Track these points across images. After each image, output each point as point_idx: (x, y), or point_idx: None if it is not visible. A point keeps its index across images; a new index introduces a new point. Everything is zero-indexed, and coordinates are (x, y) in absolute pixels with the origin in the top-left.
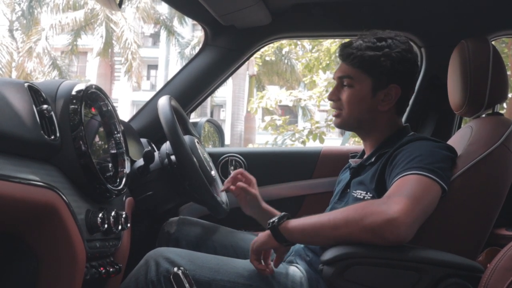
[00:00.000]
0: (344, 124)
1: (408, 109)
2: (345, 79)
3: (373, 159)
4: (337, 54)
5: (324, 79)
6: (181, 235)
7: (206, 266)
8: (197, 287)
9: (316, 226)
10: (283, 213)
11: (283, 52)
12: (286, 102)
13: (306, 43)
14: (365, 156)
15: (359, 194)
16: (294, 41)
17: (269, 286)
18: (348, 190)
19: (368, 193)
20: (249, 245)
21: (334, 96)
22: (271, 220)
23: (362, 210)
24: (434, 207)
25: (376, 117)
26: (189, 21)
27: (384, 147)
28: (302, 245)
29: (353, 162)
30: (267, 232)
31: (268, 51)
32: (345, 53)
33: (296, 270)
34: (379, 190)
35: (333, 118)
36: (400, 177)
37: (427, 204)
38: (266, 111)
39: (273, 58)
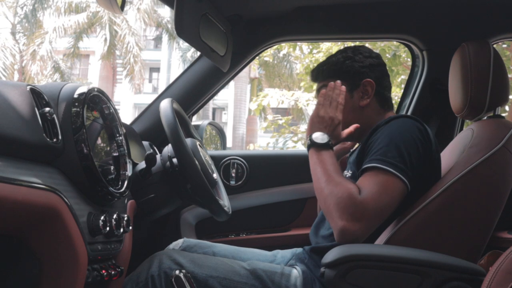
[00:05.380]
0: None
1: (409, 111)
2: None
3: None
4: (310, 79)
5: None
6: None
7: (205, 265)
8: (195, 283)
9: (315, 175)
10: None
11: (281, 54)
12: (288, 102)
13: (304, 46)
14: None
15: (345, 174)
16: (293, 43)
17: (263, 284)
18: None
19: (349, 171)
20: (249, 257)
21: None
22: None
23: (334, 203)
24: (397, 204)
25: (362, 113)
26: None
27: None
28: (301, 249)
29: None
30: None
31: (267, 52)
32: (314, 74)
33: (293, 271)
34: (357, 166)
35: None
36: (365, 169)
37: (387, 203)
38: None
39: (271, 60)
